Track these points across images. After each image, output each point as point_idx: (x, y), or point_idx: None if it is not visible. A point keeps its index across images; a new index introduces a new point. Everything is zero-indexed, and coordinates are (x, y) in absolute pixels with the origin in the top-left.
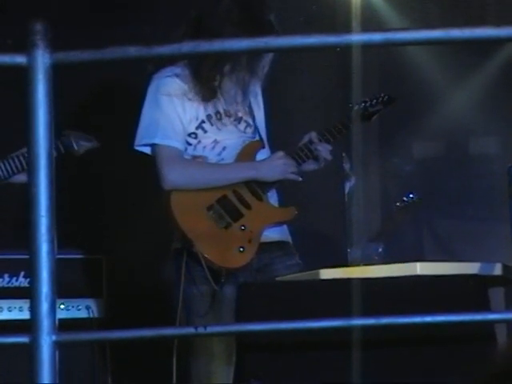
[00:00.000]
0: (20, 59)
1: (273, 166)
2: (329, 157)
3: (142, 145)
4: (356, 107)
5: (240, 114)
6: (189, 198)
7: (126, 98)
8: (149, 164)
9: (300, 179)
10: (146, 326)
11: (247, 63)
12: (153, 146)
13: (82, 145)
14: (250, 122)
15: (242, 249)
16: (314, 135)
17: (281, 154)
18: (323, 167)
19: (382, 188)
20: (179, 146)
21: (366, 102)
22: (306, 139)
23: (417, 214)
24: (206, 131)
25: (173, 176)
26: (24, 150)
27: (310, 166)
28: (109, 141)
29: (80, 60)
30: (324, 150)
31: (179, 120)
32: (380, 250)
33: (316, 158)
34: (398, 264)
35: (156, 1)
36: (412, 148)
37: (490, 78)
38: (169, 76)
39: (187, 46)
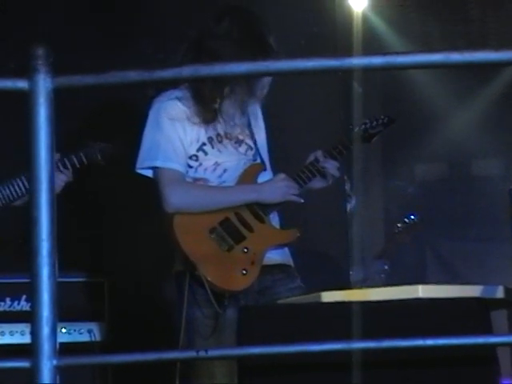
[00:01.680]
0: (21, 84)
1: (274, 188)
2: (337, 173)
3: (143, 168)
4: (356, 129)
5: (241, 137)
6: (191, 221)
7: (128, 119)
8: (150, 185)
9: (302, 201)
10: (148, 350)
11: (247, 85)
12: (154, 168)
13: (106, 154)
14: (251, 144)
15: (244, 271)
16: (320, 153)
17: (282, 176)
18: (326, 188)
19: (384, 209)
20: (181, 168)
21: (366, 123)
22: (312, 158)
23: (419, 235)
24: (206, 153)
25: (175, 199)
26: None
27: (317, 183)
28: (110, 162)
29: (81, 84)
30: (331, 167)
31: (180, 143)
32: (386, 267)
33: (324, 176)
34: (399, 286)
35: (156, 23)
36: (414, 169)
37: (492, 99)
38: (170, 99)
39: (188, 70)
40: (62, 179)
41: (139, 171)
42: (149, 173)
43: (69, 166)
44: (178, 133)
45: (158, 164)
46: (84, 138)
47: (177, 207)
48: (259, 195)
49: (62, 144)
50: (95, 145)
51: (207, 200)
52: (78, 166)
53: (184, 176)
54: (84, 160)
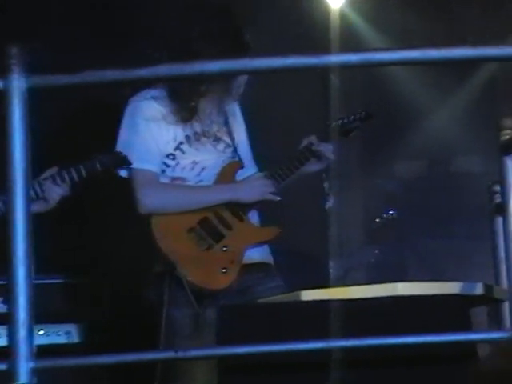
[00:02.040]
0: None
1: (251, 187)
2: (332, 156)
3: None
4: (333, 124)
5: (218, 134)
6: (170, 221)
7: (106, 118)
8: (128, 185)
9: (278, 199)
10: (127, 351)
11: (223, 83)
12: (129, 169)
13: (108, 167)
14: (229, 141)
15: (224, 270)
16: (313, 137)
17: (259, 175)
18: (304, 186)
19: (364, 207)
20: (155, 169)
21: (343, 118)
22: (305, 142)
23: (398, 233)
24: (184, 152)
25: (148, 200)
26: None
27: (313, 166)
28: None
29: (56, 84)
30: (327, 150)
31: (155, 143)
32: (376, 251)
33: (319, 158)
34: (379, 284)
35: (134, 24)
36: (394, 167)
37: (472, 95)
38: (146, 99)
39: (164, 69)
40: (57, 192)
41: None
42: (124, 173)
43: (67, 180)
44: (153, 133)
45: (132, 165)
46: (83, 148)
47: (150, 209)
48: (235, 194)
49: (63, 154)
50: (96, 157)
51: (182, 201)
52: (76, 180)
53: (158, 177)
54: (83, 173)
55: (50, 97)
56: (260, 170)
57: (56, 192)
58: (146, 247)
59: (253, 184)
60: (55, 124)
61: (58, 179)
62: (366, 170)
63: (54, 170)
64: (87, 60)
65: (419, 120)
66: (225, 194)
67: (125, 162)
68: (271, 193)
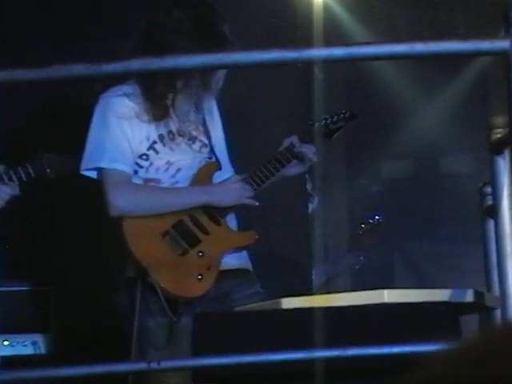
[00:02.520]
0: None
1: (227, 190)
2: (314, 157)
3: (88, 169)
4: (317, 124)
5: (194, 133)
6: (142, 224)
7: (75, 116)
8: (98, 187)
9: (256, 204)
10: (97, 362)
11: (200, 78)
12: (99, 170)
13: (56, 168)
14: (206, 141)
15: (200, 276)
16: (295, 138)
17: (236, 177)
18: (285, 188)
19: (349, 209)
20: (127, 169)
21: (326, 118)
22: (287, 143)
23: (385, 236)
24: (158, 152)
25: (119, 202)
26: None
27: (294, 169)
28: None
29: (23, 79)
30: (309, 151)
31: (127, 142)
32: (361, 258)
33: (301, 160)
34: (364, 292)
35: (103, 15)
36: (380, 167)
37: (461, 93)
38: (117, 96)
39: (137, 63)
40: (5, 192)
41: (83, 172)
42: (94, 174)
43: (15, 179)
44: (125, 132)
45: (102, 165)
46: (31, 146)
47: (122, 211)
48: (211, 197)
49: (6, 153)
50: (44, 157)
51: (155, 203)
52: (24, 179)
53: (130, 177)
54: (31, 173)
55: (12, 92)
56: (236, 173)
57: (4, 191)
58: (117, 251)
59: (230, 187)
60: (20, 121)
61: (6, 178)
62: (351, 171)
63: (0, 168)
64: (52, 54)
65: (406, 118)
66: (201, 197)
67: (73, 166)
68: (249, 197)
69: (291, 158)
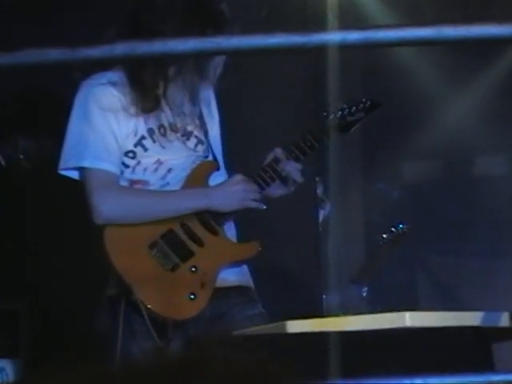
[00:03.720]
0: None
1: (229, 192)
2: (299, 178)
3: (68, 168)
4: (332, 116)
5: (189, 128)
6: (127, 234)
7: (52, 109)
8: (80, 190)
9: (263, 207)
10: None
11: (195, 65)
12: (81, 169)
13: (30, 156)
14: (202, 137)
15: (192, 296)
16: (279, 152)
17: (239, 177)
18: (293, 192)
19: (366, 217)
20: (113, 169)
21: (343, 109)
22: (270, 158)
23: (407, 249)
24: (146, 149)
25: (106, 207)
26: None
27: (276, 190)
28: (32, 162)
29: None
30: (293, 170)
31: (113, 138)
32: (364, 293)
33: (284, 181)
34: (382, 314)
35: None
36: (402, 169)
37: (497, 83)
38: (101, 84)
39: (121, 48)
40: None
41: (63, 172)
42: (75, 174)
43: None
44: (111, 125)
45: (85, 164)
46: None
47: (108, 217)
48: (210, 202)
49: None
50: (16, 142)
51: (146, 208)
52: None
53: (117, 179)
54: (1, 161)
55: None
56: (231, 175)
57: None
58: (97, 265)
59: (231, 189)
60: None
61: None
62: (368, 173)
63: None
64: (27, 36)
65: (432, 112)
66: (198, 201)
67: (50, 154)
68: (254, 200)
69: (275, 177)
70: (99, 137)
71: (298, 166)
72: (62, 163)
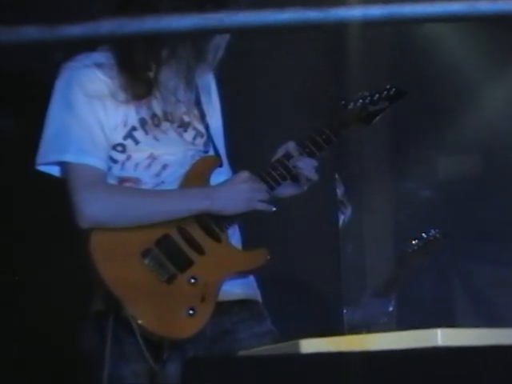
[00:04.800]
0: None
1: (234, 192)
2: (314, 176)
3: (47, 163)
4: (351, 105)
5: (186, 119)
6: (116, 240)
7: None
8: (60, 187)
9: (273, 209)
10: None
11: (193, 46)
12: (63, 164)
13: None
14: (201, 129)
15: (192, 311)
16: (292, 147)
17: (245, 175)
18: (307, 191)
19: (394, 221)
20: (100, 165)
21: (364, 97)
22: (281, 153)
23: (441, 257)
24: (138, 142)
25: (92, 209)
26: None
27: (287, 189)
28: (8, 156)
29: None
30: (307, 167)
31: (101, 129)
32: (391, 308)
33: (296, 179)
34: (411, 331)
35: None
36: (435, 165)
37: None
38: (86, 66)
39: (108, 26)
40: None
41: (41, 168)
42: (55, 170)
43: None
44: (98, 114)
45: (68, 158)
46: None
47: (96, 220)
48: (213, 203)
49: None
50: None
51: (139, 210)
52: None
53: (105, 176)
54: None
55: None
56: (235, 172)
57: None
58: (82, 276)
59: (236, 188)
60: None
61: None
62: (396, 170)
63: None
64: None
65: (471, 100)
66: (200, 202)
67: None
68: (262, 201)
69: (286, 175)
70: (84, 127)
71: (313, 162)
72: (41, 157)
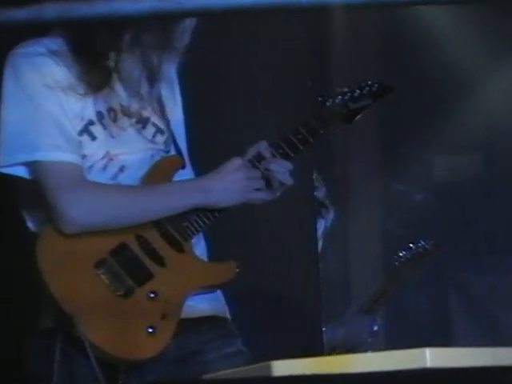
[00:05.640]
0: None
1: (229, 182)
2: (288, 181)
3: (12, 164)
4: (329, 102)
5: (145, 114)
6: (67, 248)
7: None
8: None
9: (269, 198)
10: None
11: (157, 31)
12: (33, 164)
13: None
14: (162, 125)
15: (151, 329)
16: (263, 147)
17: (238, 162)
18: (281, 196)
19: (381, 228)
20: (78, 160)
21: (344, 93)
22: (251, 154)
23: (436, 268)
24: (94, 138)
25: (79, 211)
26: None
27: (258, 195)
28: None
29: None
30: (281, 171)
31: (68, 119)
32: (375, 327)
33: (268, 184)
34: (398, 351)
35: None
36: (429, 166)
37: None
38: (40, 54)
39: (54, 10)
40: None
41: (3, 170)
42: (21, 171)
43: None
44: (62, 104)
45: (39, 157)
46: None
47: (83, 224)
48: (208, 196)
49: None
50: None
51: (130, 209)
52: None
53: (84, 173)
54: None
55: None
56: (198, 174)
57: None
58: (27, 289)
59: (231, 178)
60: None
61: None
62: (385, 171)
63: None
64: None
65: (468, 92)
66: (192, 196)
67: None
68: (258, 189)
69: None
70: (51, 119)
71: (288, 164)
72: (4, 158)
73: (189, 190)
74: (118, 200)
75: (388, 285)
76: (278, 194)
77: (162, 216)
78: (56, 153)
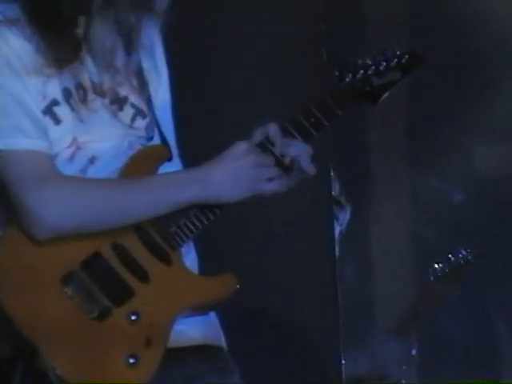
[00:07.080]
0: None
1: (234, 171)
2: (311, 169)
3: None
4: (349, 77)
5: (123, 92)
6: (26, 258)
7: None
8: None
9: (283, 190)
10: None
11: None
12: None
13: None
14: (143, 106)
15: (133, 359)
16: (274, 128)
17: (244, 146)
18: (291, 191)
19: (411, 233)
20: (48, 148)
21: (367, 66)
22: (258, 138)
23: (477, 284)
24: (59, 121)
25: (53, 211)
26: None
27: (269, 186)
28: None
29: None
30: (302, 155)
31: (33, 100)
32: (413, 351)
33: (285, 169)
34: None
35: None
36: (470, 157)
37: None
38: None
39: None
40: None
41: None
42: None
43: None
44: (27, 86)
45: (2, 145)
46: None
47: (58, 226)
48: (208, 188)
49: None
50: None
51: (114, 208)
52: None
53: (54, 163)
54: None
55: None
56: (186, 166)
57: None
58: None
59: (236, 166)
60: None
61: None
62: (415, 165)
63: None
64: None
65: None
66: (190, 189)
67: None
68: (269, 179)
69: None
70: (15, 102)
71: (309, 148)
72: None
73: (183, 182)
74: (97, 197)
75: (420, 304)
76: (294, 184)
77: (150, 216)
78: (20, 139)
